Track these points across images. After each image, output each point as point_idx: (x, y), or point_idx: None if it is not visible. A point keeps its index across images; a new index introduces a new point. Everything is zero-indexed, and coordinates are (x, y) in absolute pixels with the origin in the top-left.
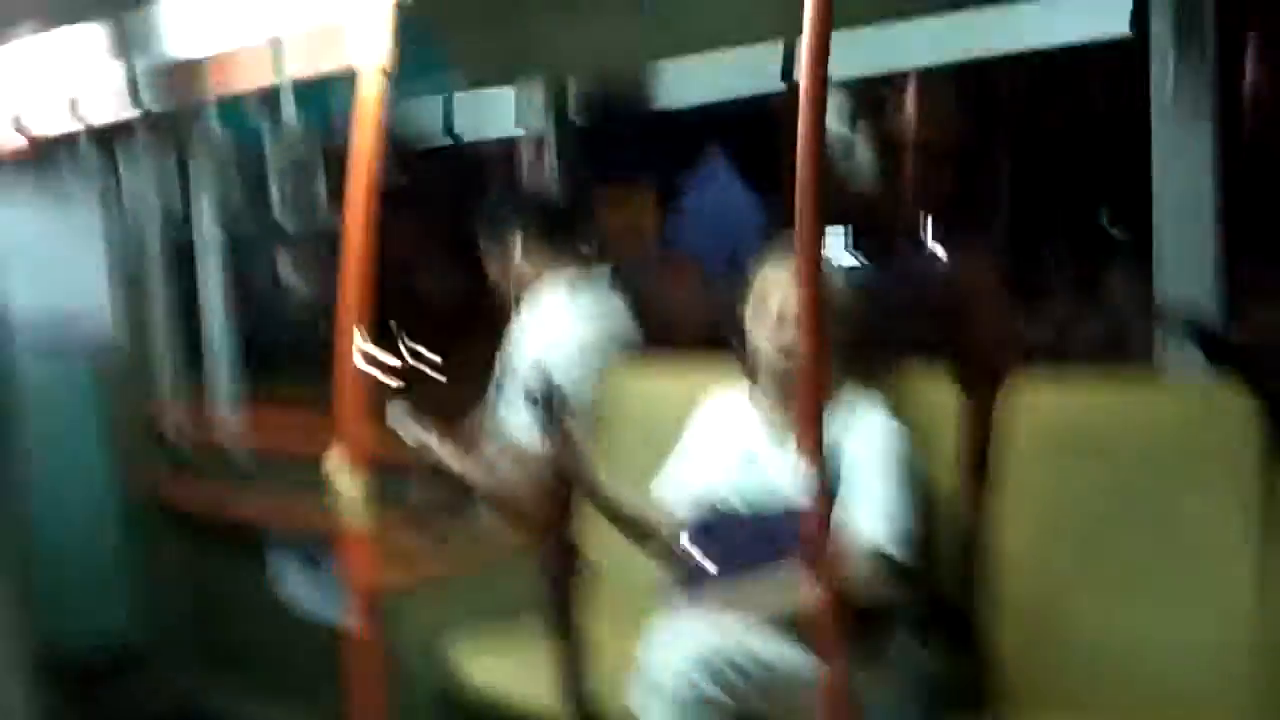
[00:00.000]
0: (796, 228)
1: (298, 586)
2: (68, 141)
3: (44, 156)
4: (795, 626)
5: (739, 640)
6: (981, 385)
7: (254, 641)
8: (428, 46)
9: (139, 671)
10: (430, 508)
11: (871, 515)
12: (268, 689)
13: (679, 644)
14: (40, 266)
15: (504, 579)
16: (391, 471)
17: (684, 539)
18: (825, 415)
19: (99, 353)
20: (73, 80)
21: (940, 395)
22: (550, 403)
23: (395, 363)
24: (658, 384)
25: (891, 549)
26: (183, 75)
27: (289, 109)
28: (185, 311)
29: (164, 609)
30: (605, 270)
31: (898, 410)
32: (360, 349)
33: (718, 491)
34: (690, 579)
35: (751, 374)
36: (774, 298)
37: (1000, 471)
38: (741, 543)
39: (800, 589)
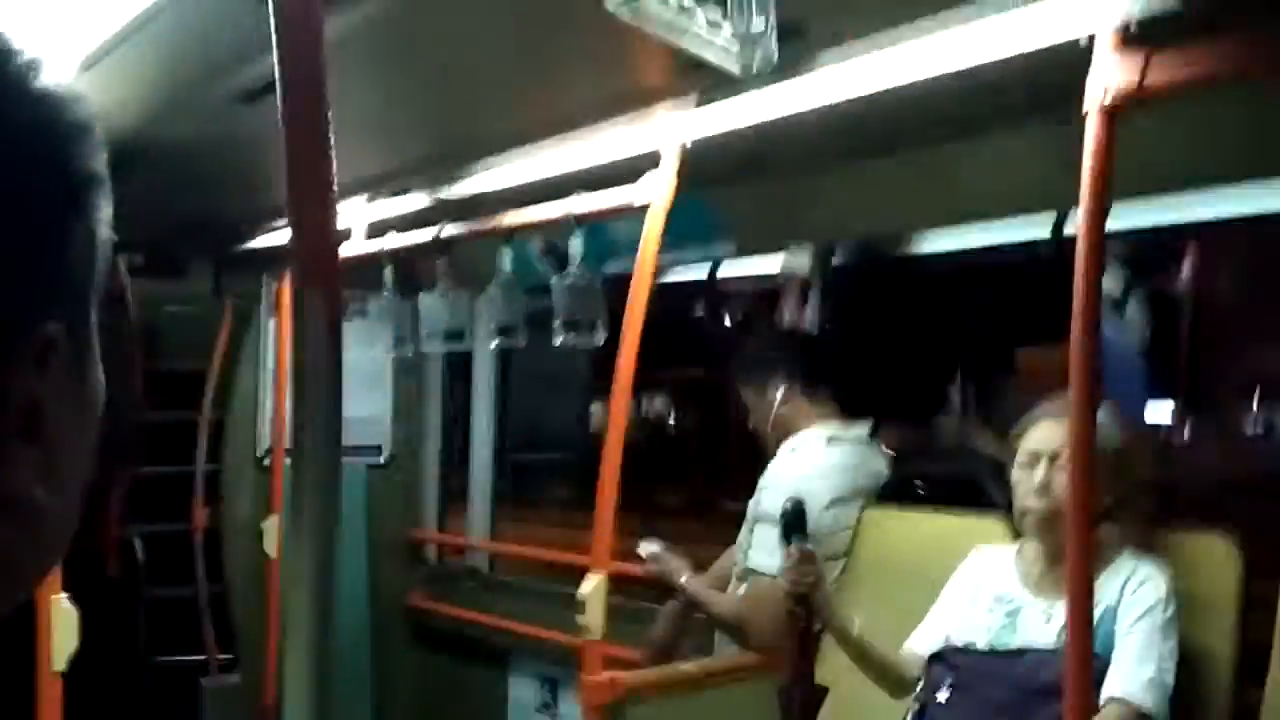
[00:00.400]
0: (1071, 374)
1: (534, 699)
2: (370, 262)
3: (352, 273)
4: None
5: None
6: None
7: None
8: (701, 206)
9: None
10: (674, 633)
11: (1133, 673)
12: None
13: None
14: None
15: (742, 704)
16: (639, 597)
17: (933, 680)
18: (1095, 569)
19: (372, 462)
20: (382, 208)
21: (1220, 563)
22: (796, 531)
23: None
24: (913, 534)
25: (1150, 709)
26: (479, 211)
27: (574, 244)
28: (454, 431)
29: (407, 712)
30: (866, 424)
31: (1174, 572)
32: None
33: (973, 639)
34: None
35: (1018, 526)
36: (1041, 444)
37: None
38: (992, 687)
39: None
